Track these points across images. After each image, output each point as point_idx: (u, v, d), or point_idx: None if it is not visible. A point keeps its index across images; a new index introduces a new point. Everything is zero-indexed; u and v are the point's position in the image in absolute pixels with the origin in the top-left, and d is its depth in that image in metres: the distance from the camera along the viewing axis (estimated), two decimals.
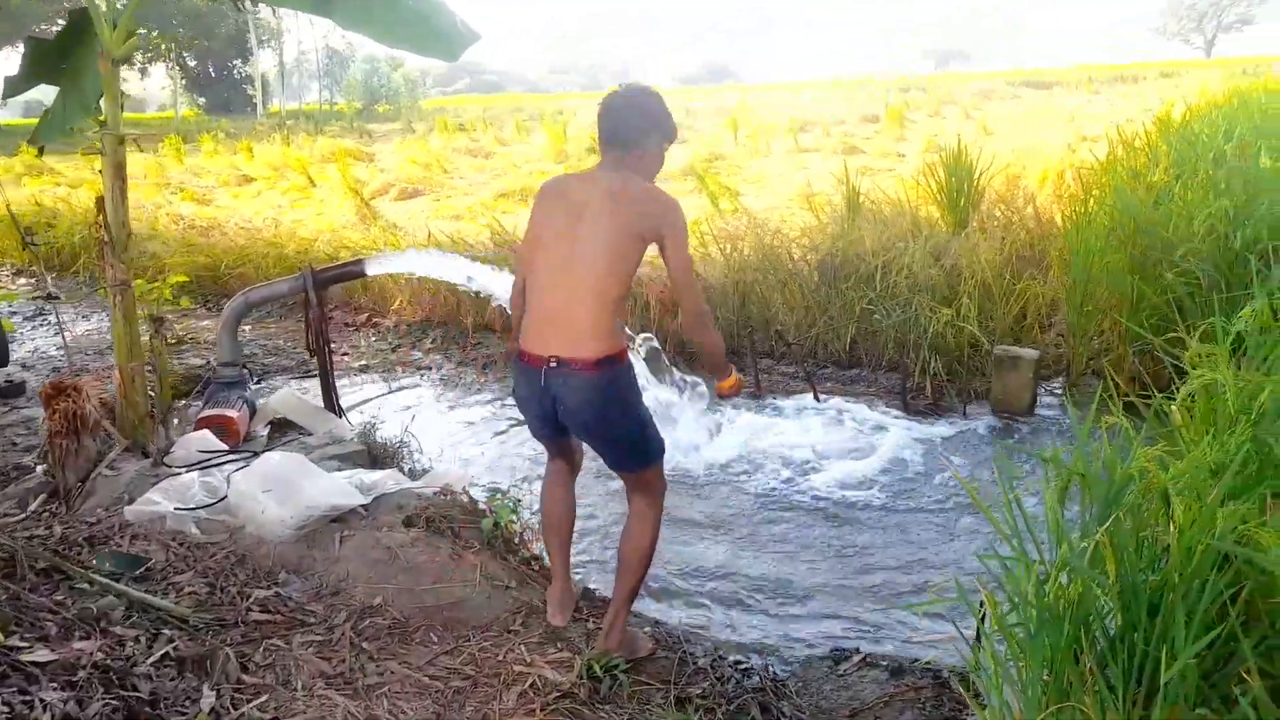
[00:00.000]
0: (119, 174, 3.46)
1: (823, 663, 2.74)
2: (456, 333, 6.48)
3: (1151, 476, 1.85)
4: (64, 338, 3.86)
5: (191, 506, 2.92)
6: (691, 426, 4.42)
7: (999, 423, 4.64)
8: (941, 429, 4.57)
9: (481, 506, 3.28)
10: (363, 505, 3.04)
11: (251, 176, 16.46)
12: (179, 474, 3.14)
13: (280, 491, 2.90)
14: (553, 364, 2.38)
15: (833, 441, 4.39)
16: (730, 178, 14.34)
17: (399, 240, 7.62)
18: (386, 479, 3.21)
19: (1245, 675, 1.67)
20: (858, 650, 2.77)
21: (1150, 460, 1.87)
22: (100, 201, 3.46)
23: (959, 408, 4.82)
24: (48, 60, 3.87)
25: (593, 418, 2.44)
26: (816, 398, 5.01)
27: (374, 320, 7.15)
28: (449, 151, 20.49)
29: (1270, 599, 1.76)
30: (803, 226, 6.67)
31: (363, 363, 6.06)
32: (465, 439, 4.66)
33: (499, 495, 3.39)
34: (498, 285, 4.04)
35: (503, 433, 4.75)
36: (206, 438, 3.46)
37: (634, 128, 2.44)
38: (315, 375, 5.72)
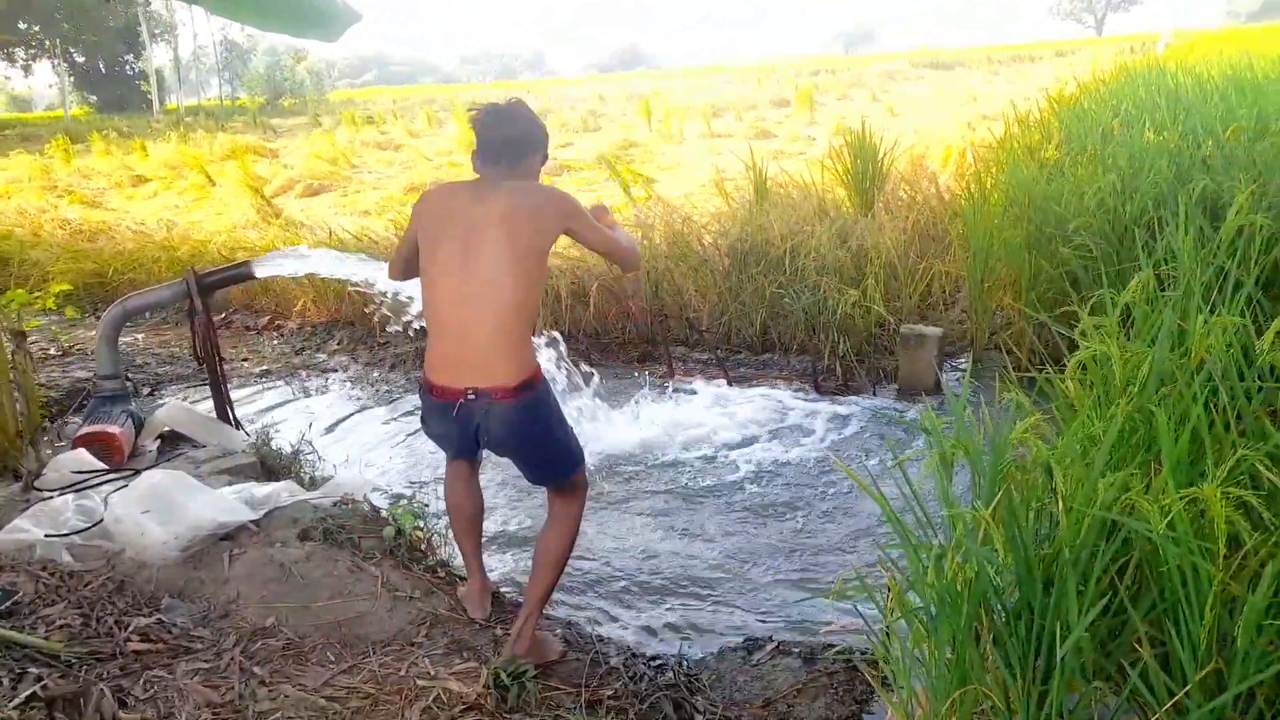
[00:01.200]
0: None
1: (736, 653, 2.72)
2: (364, 333, 6.27)
3: (1035, 449, 1.86)
4: None
5: (64, 533, 2.73)
6: (607, 420, 4.37)
7: (905, 402, 4.70)
8: (849, 409, 4.61)
9: (385, 514, 3.16)
10: (253, 521, 2.89)
11: (146, 177, 15.71)
12: (50, 498, 2.93)
13: (162, 511, 2.73)
14: (470, 395, 2.30)
15: (744, 427, 4.38)
16: (644, 165, 14.31)
17: (299, 239, 7.34)
18: (281, 491, 3.06)
19: (1137, 645, 1.70)
20: (770, 639, 2.76)
21: (1032, 431, 1.87)
22: None
23: (868, 388, 4.88)
24: None
25: (520, 443, 2.42)
26: (729, 383, 5.00)
27: (276, 323, 6.89)
28: (357, 145, 19.95)
29: (1158, 567, 1.79)
30: (713, 212, 6.66)
31: (264, 368, 5.83)
32: (373, 443, 4.51)
33: (402, 501, 3.28)
34: (384, 279, 3.92)
35: (413, 434, 4.61)
36: (81, 457, 3.24)
37: (522, 141, 2.38)
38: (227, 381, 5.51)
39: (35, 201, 11.92)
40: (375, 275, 3.90)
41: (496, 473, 3.87)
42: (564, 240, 2.54)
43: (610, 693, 2.49)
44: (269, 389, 5.42)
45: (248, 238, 7.73)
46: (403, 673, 2.45)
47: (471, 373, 2.30)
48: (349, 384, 5.45)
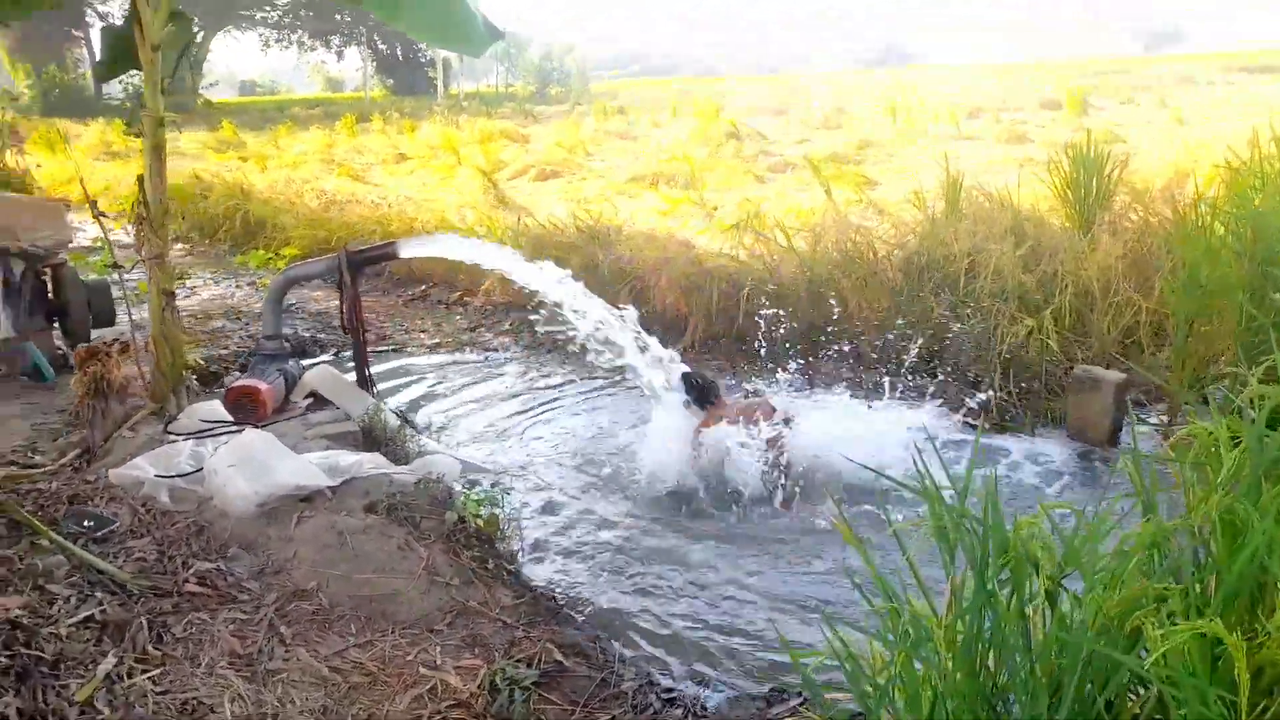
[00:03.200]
0: (158, 154, 3.64)
1: (754, 702, 2.51)
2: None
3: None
4: (127, 305, 4.08)
5: (170, 474, 3.04)
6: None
7: (1068, 450, 4.14)
8: (996, 448, 4.13)
9: (455, 497, 3.24)
10: (329, 488, 3.06)
11: (408, 155, 17.27)
12: (175, 441, 3.27)
13: (249, 468, 2.97)
14: None
15: (868, 454, 4.04)
16: (875, 166, 13.72)
17: (496, 220, 7.74)
18: (364, 462, 3.22)
19: None
20: (799, 694, 2.52)
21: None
22: (140, 180, 3.65)
23: (1027, 429, 4.34)
24: (123, 47, 4.13)
25: None
26: (869, 405, 4.65)
27: (465, 299, 7.30)
28: (600, 134, 20.73)
29: None
30: (908, 222, 6.22)
31: (436, 340, 6.20)
32: (498, 425, 4.64)
33: (478, 488, 3.34)
34: (514, 267, 4.01)
35: (539, 417, 4.71)
36: (214, 408, 3.61)
37: None
38: (395, 350, 5.95)
39: (308, 173, 13.52)
40: (507, 264, 4.01)
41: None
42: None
43: (607, 717, 2.40)
44: (429, 361, 5.75)
45: (458, 218, 8.25)
46: (410, 657, 2.50)
47: None
48: (502, 365, 5.66)
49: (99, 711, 2.16)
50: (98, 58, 4.26)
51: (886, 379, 5.07)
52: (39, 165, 14.18)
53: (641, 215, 8.66)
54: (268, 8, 42.21)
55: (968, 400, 4.46)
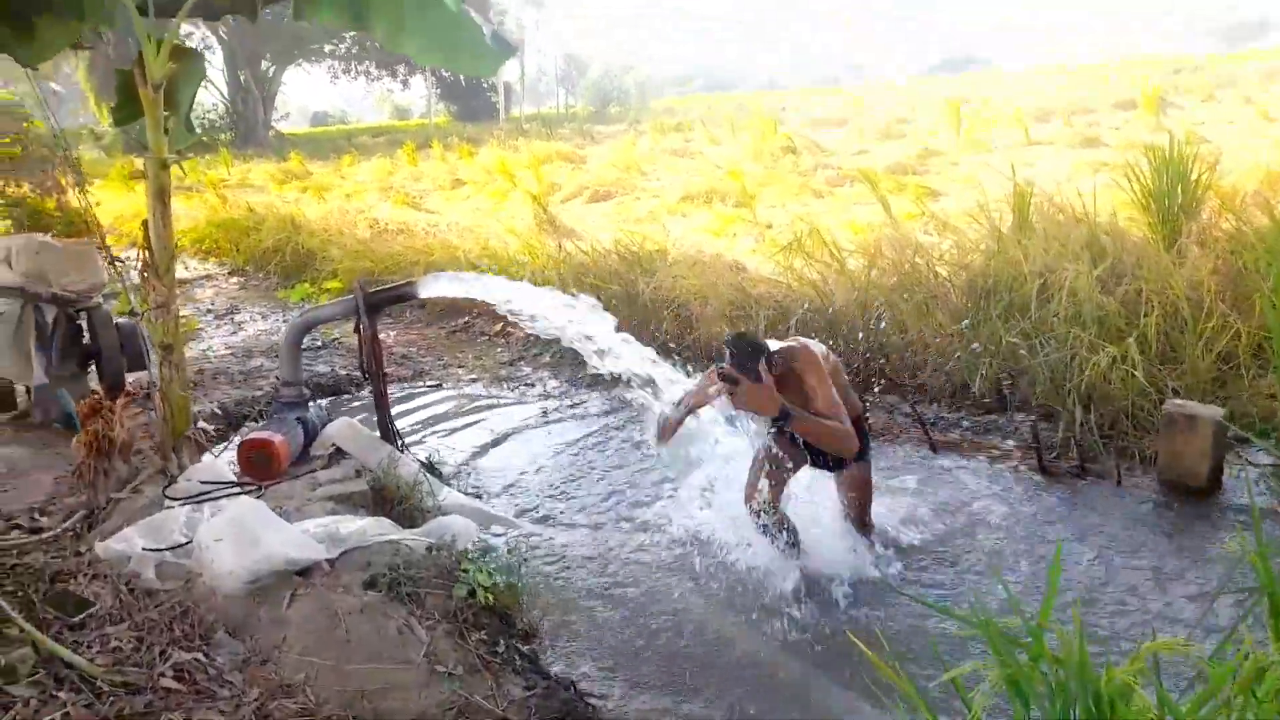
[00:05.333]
0: (161, 197, 3.48)
1: None
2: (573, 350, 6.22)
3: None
4: (146, 354, 3.92)
5: (158, 548, 2.82)
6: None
7: (1161, 499, 3.66)
8: (1082, 503, 3.67)
9: (467, 567, 2.95)
10: (327, 560, 2.81)
11: (464, 180, 17.29)
12: (172, 507, 3.06)
13: (239, 542, 2.73)
14: None
15: (924, 508, 3.64)
16: (938, 176, 13.20)
17: (538, 247, 7.51)
18: (369, 529, 2.96)
19: None
20: None
21: None
22: (145, 224, 3.48)
23: (1113, 474, 3.86)
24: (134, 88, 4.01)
25: None
26: (933, 448, 4.24)
27: (508, 330, 7.07)
28: (657, 152, 20.49)
29: None
30: (959, 240, 5.78)
31: (473, 376, 5.97)
32: (529, 472, 4.35)
33: (492, 554, 3.05)
34: (533, 307, 3.72)
35: (572, 457, 4.42)
36: (215, 467, 3.40)
37: None
38: (435, 386, 5.74)
39: (365, 201, 13.57)
40: (519, 302, 3.74)
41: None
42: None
43: None
44: (465, 397, 5.52)
45: (497, 246, 8.06)
46: None
47: None
48: (535, 401, 5.39)
49: None
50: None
51: (960, 413, 4.65)
52: (98, 204, 14.53)
53: (692, 235, 8.35)
54: (335, 40, 43.35)
55: (1042, 440, 4.01)
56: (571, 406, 5.26)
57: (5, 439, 4.71)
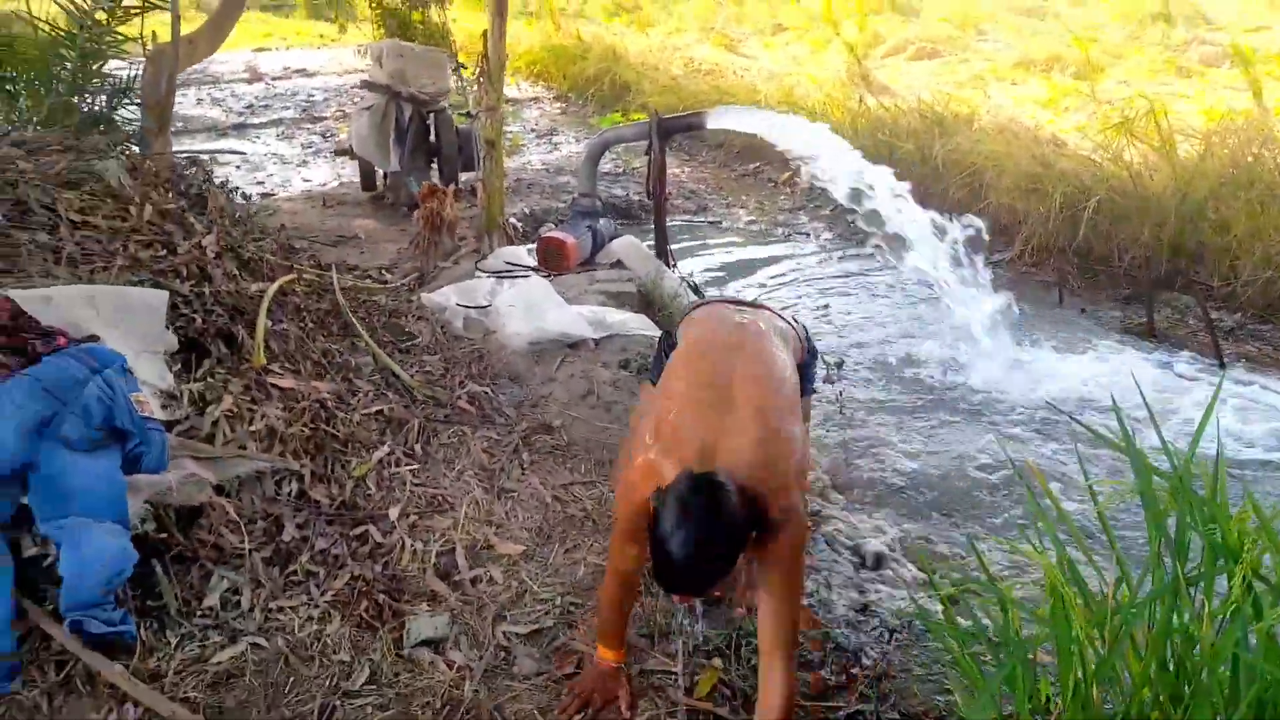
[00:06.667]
0: (500, 13, 3.97)
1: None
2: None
3: None
4: (477, 158, 4.53)
5: (467, 305, 3.46)
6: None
7: None
8: None
9: None
10: (593, 339, 3.30)
11: (786, 26, 16.90)
12: (480, 277, 3.70)
13: (526, 310, 3.29)
14: None
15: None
16: None
17: (837, 100, 7.43)
18: (630, 322, 3.41)
19: None
20: None
21: None
22: (484, 35, 4.01)
23: None
24: None
25: None
26: (1220, 361, 3.92)
27: (795, 179, 7.18)
28: (1002, 7, 18.60)
29: None
30: None
31: (752, 218, 6.22)
32: (786, 304, 4.61)
33: None
34: (825, 153, 3.84)
35: (832, 309, 4.61)
36: (516, 252, 3.99)
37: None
38: (715, 222, 6.10)
39: (684, 40, 13.81)
40: (805, 144, 3.88)
41: None
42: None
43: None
44: (740, 237, 5.80)
45: (803, 95, 8.04)
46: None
47: None
48: (806, 251, 5.56)
49: (368, 489, 2.62)
50: None
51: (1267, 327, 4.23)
52: (454, 19, 15.99)
53: (1014, 105, 7.78)
54: None
55: None
56: (841, 259, 5.38)
57: (366, 213, 5.76)
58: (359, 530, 2.45)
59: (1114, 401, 1.65)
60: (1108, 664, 1.38)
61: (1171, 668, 1.38)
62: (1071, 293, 4.74)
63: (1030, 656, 1.49)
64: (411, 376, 3.11)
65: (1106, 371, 3.75)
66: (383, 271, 4.30)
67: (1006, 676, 1.43)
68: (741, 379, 1.74)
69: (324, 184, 6.58)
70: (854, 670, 2.18)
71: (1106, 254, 4.88)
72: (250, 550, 2.29)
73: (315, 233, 5.05)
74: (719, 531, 1.46)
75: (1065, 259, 4.90)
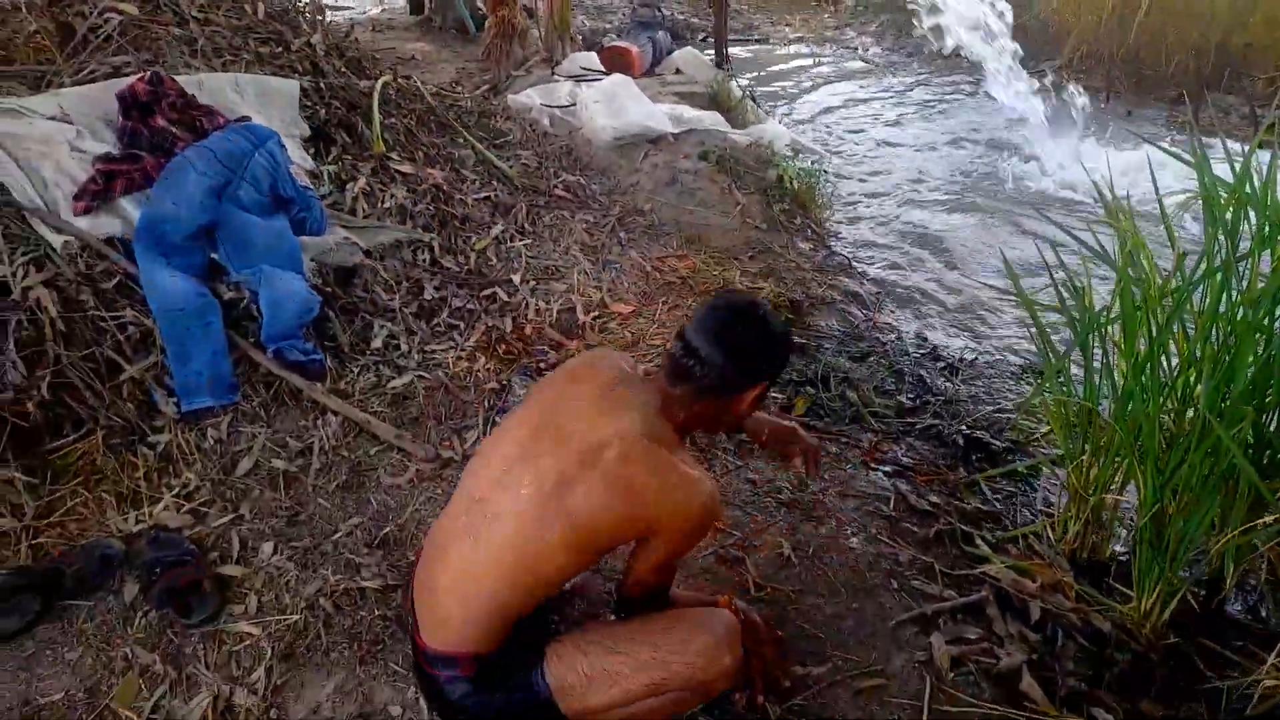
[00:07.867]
0: None
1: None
2: (904, 19, 6.26)
3: None
4: None
5: (552, 105, 3.67)
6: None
7: None
8: None
9: (779, 162, 3.56)
10: (672, 133, 3.53)
11: None
12: (558, 80, 3.89)
13: (610, 106, 3.50)
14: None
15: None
16: None
17: None
18: (705, 118, 3.63)
19: None
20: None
21: None
22: None
23: None
24: None
25: None
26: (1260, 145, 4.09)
27: None
28: None
29: None
30: None
31: (799, 35, 6.26)
32: (837, 116, 4.78)
33: (801, 155, 3.63)
34: None
35: (877, 116, 4.78)
36: (589, 58, 4.15)
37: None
38: (762, 40, 6.15)
39: None
40: None
41: None
42: None
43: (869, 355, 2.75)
44: (787, 52, 5.88)
45: None
46: (715, 273, 2.99)
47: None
48: (858, 62, 5.64)
49: (489, 260, 2.94)
50: None
51: None
52: None
53: None
54: None
55: None
56: (891, 73, 5.48)
57: (416, 35, 5.84)
58: (488, 291, 2.79)
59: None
60: (1165, 333, 1.70)
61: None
62: (1118, 99, 4.87)
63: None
64: (509, 168, 3.37)
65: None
66: (454, 85, 4.47)
67: (1080, 342, 1.76)
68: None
69: (370, 10, 6.62)
70: (926, 398, 2.55)
71: (1155, 58, 4.97)
72: (400, 306, 2.63)
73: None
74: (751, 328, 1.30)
75: (1114, 65, 5.00)
